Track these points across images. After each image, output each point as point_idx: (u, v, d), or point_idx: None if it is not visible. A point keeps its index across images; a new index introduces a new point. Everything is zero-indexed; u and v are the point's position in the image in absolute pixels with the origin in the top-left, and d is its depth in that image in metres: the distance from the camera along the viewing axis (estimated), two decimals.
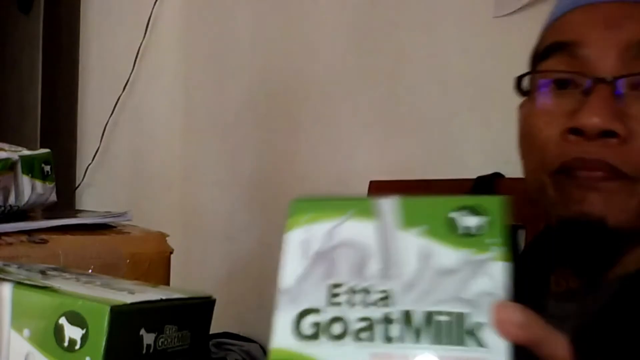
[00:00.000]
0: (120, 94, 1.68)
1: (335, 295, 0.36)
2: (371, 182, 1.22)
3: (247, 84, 1.54)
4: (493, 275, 0.34)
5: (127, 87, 1.67)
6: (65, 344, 0.42)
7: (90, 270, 0.73)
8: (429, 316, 0.34)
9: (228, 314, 1.53)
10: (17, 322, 0.44)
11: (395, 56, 1.25)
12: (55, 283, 0.47)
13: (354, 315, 0.35)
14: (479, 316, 0.33)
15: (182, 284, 0.68)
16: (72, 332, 0.42)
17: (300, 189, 1.41)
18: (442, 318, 0.34)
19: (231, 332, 1.44)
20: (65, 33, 1.74)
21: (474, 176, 1.03)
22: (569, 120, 0.53)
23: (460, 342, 0.33)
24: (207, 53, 1.61)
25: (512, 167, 1.05)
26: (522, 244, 0.99)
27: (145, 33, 1.66)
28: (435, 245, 0.36)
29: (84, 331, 0.42)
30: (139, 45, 1.66)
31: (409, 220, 0.36)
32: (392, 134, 1.25)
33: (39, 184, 0.83)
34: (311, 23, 1.42)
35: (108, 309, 0.41)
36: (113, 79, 1.70)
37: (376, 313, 0.35)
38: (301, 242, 0.38)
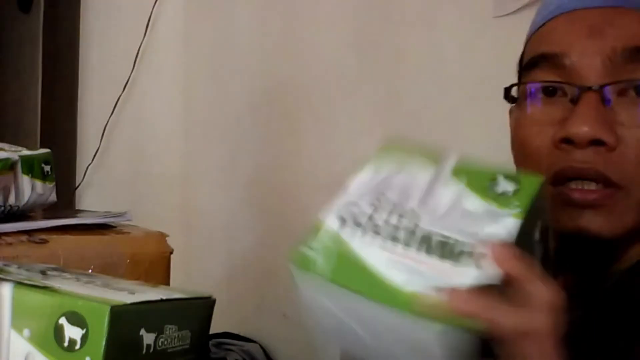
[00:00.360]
0: (120, 94, 1.68)
1: (379, 208, 0.44)
2: None
3: (247, 84, 1.54)
4: (506, 226, 0.40)
5: (127, 87, 1.67)
6: (65, 344, 0.42)
7: (90, 270, 0.73)
8: (440, 237, 0.41)
9: (228, 314, 1.53)
10: (17, 322, 0.44)
11: (395, 56, 1.25)
12: (55, 283, 0.47)
13: (387, 224, 0.42)
14: (479, 248, 0.39)
15: (182, 284, 0.68)
16: (72, 332, 0.42)
17: (300, 189, 1.41)
18: (450, 241, 0.40)
19: (231, 332, 1.44)
20: (65, 32, 1.74)
21: None
22: (559, 129, 0.54)
23: (455, 261, 0.39)
24: (207, 53, 1.61)
25: (512, 167, 1.05)
26: None
27: (145, 33, 1.66)
28: (469, 194, 0.43)
29: (84, 331, 0.42)
30: (139, 45, 1.66)
31: (461, 172, 0.45)
32: (392, 134, 1.25)
33: (39, 184, 0.83)
34: (311, 23, 1.42)
35: (108, 309, 0.41)
36: (113, 79, 1.70)
37: (402, 223, 0.42)
38: (376, 167, 0.47)
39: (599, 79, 0.53)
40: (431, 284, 0.39)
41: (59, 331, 0.43)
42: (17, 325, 0.44)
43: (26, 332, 0.44)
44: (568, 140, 0.53)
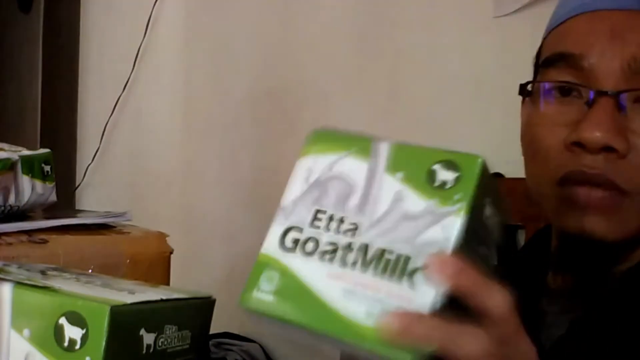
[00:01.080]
0: (120, 94, 1.68)
1: (318, 219, 0.41)
2: None
3: (247, 84, 1.54)
4: (446, 227, 0.38)
5: (127, 87, 1.67)
6: (65, 344, 0.42)
7: (90, 270, 0.73)
8: (381, 253, 0.38)
9: (228, 314, 1.53)
10: (17, 322, 0.44)
11: (395, 56, 1.25)
12: (55, 283, 0.47)
13: (325, 238, 0.40)
14: (419, 261, 0.37)
15: (182, 284, 0.68)
16: (72, 332, 0.42)
17: None
18: (391, 256, 0.38)
19: (231, 332, 1.44)
20: (65, 32, 1.74)
21: None
22: (571, 132, 0.53)
23: (397, 280, 0.37)
24: (207, 53, 1.61)
25: (512, 167, 1.04)
26: (522, 244, 0.99)
27: (145, 33, 1.66)
28: (409, 192, 0.40)
29: (84, 331, 0.42)
30: (139, 45, 1.66)
31: (396, 165, 0.41)
32: (392, 134, 1.25)
33: (39, 184, 0.83)
34: (311, 23, 1.42)
35: (108, 309, 0.41)
36: (113, 79, 1.70)
37: (342, 240, 0.40)
38: (307, 169, 0.43)
39: (616, 84, 0.52)
40: (390, 311, 0.37)
41: (59, 331, 0.43)
42: (17, 325, 0.44)
43: (26, 332, 0.44)
44: (579, 144, 0.53)
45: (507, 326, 0.36)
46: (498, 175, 1.02)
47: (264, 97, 1.50)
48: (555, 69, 0.56)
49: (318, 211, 0.41)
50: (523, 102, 0.62)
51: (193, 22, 1.65)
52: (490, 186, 0.41)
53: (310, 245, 0.40)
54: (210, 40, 1.61)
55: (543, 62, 0.58)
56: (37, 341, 0.43)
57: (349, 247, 0.39)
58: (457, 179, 0.39)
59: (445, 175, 0.40)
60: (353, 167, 0.42)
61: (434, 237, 0.38)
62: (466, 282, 0.35)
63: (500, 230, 0.42)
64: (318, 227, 0.41)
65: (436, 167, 0.40)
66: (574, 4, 0.57)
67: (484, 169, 0.40)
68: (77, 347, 0.42)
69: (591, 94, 0.53)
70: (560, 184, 0.54)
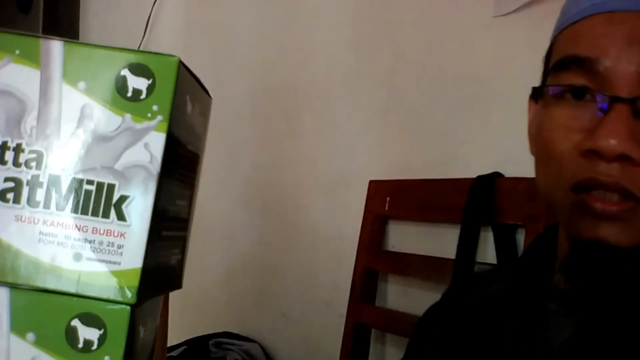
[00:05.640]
0: None
1: None
2: (371, 182, 1.22)
3: (247, 84, 1.54)
4: (149, 145, 0.34)
5: None
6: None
7: None
8: (78, 184, 0.33)
9: (228, 314, 1.53)
10: None
11: (395, 56, 1.25)
12: None
13: (2, 174, 0.34)
14: (126, 189, 0.33)
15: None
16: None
17: (300, 189, 1.41)
18: (90, 187, 0.33)
19: (231, 331, 1.44)
20: (65, 32, 1.74)
21: (474, 176, 1.03)
22: (586, 138, 0.52)
23: (103, 214, 0.33)
24: (207, 53, 1.61)
25: (512, 167, 1.05)
26: (521, 243, 0.99)
27: (144, 33, 1.66)
28: (97, 106, 0.34)
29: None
30: (138, 45, 1.66)
31: (76, 71, 0.34)
32: (392, 134, 1.25)
33: None
34: (311, 23, 1.42)
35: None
36: None
37: (24, 174, 0.34)
38: None
39: (632, 89, 0.51)
40: (100, 250, 0.33)
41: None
42: None
43: None
44: (595, 152, 0.52)
45: None
46: (498, 175, 1.02)
47: (264, 97, 1.50)
48: (569, 73, 0.54)
49: None
50: (531, 103, 0.61)
51: (192, 22, 1.65)
52: (188, 82, 0.37)
53: None
54: (210, 40, 1.61)
55: (555, 65, 0.56)
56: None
57: (35, 182, 0.33)
58: (151, 87, 0.34)
59: (137, 82, 0.34)
60: (21, 76, 0.34)
61: (135, 158, 0.34)
62: None
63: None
64: None
65: (125, 72, 0.34)
66: (587, 3, 0.55)
67: (180, 68, 0.35)
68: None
69: (606, 100, 0.52)
70: (574, 190, 0.54)
